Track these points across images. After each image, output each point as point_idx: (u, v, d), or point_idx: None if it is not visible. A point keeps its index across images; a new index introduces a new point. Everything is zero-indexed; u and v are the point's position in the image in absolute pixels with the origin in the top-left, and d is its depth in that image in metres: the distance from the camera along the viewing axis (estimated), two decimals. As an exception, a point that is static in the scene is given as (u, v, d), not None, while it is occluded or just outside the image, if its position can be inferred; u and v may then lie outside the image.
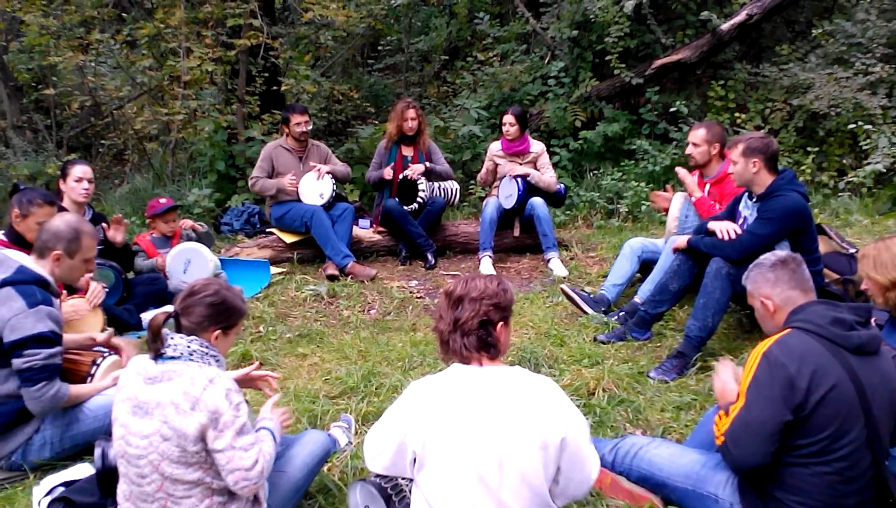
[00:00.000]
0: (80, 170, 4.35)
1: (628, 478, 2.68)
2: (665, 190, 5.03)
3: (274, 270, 5.42)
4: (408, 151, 5.96)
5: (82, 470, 2.53)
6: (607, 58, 7.93)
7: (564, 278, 5.32)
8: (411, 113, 5.82)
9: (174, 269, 4.78)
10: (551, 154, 8.00)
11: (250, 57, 7.30)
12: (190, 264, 4.80)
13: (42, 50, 7.32)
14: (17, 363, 2.63)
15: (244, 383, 2.71)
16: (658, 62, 8.05)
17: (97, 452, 2.34)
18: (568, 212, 7.26)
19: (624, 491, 2.65)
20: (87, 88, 7.48)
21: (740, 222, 3.89)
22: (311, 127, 5.80)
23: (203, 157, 7.14)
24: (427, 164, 5.89)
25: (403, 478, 2.30)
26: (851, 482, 2.24)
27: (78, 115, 7.89)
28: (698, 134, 4.51)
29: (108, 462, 2.31)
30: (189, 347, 2.23)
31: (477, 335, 2.20)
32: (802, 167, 6.95)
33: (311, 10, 6.91)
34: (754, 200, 3.79)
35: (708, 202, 4.41)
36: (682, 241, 4.00)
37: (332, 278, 5.30)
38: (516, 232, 5.96)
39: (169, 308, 4.35)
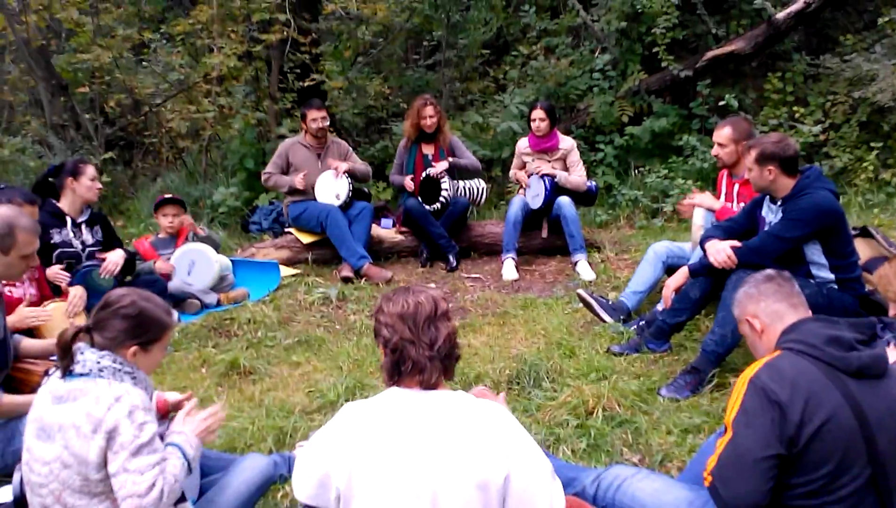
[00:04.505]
0: (93, 169, 4.31)
1: (610, 514, 2.37)
2: (693, 193, 4.63)
3: (288, 271, 5.27)
4: (428, 150, 5.71)
5: (5, 494, 2.38)
6: (654, 50, 7.51)
7: (590, 282, 4.97)
8: (429, 110, 5.56)
9: (178, 270, 4.67)
10: (595, 151, 7.67)
11: (286, 52, 7.16)
12: (194, 265, 4.69)
13: (83, 49, 7.40)
14: None
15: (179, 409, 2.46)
16: (710, 54, 7.59)
17: (15, 477, 2.16)
18: (611, 211, 6.92)
19: (604, 528, 2.34)
20: (124, 87, 7.52)
21: (764, 227, 3.49)
22: (328, 123, 5.62)
23: (234, 154, 7.06)
24: (450, 159, 5.61)
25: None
26: None
27: (117, 113, 7.94)
28: (724, 133, 4.10)
29: (24, 489, 2.13)
30: (99, 363, 2.03)
31: (451, 356, 1.97)
32: (865, 164, 6.39)
33: (333, 4, 6.72)
34: (779, 202, 3.39)
35: (730, 212, 4.02)
36: (679, 277, 3.65)
37: (346, 279, 5.11)
38: (544, 233, 5.64)
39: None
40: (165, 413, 2.51)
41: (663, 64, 7.45)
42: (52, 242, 4.12)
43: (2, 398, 2.58)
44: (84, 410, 1.94)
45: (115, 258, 4.20)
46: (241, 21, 6.86)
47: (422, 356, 1.90)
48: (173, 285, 4.58)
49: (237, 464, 2.39)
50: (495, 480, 1.80)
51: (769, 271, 2.33)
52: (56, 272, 3.95)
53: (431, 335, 1.93)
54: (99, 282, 4.20)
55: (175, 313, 2.37)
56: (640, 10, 7.41)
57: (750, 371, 2.04)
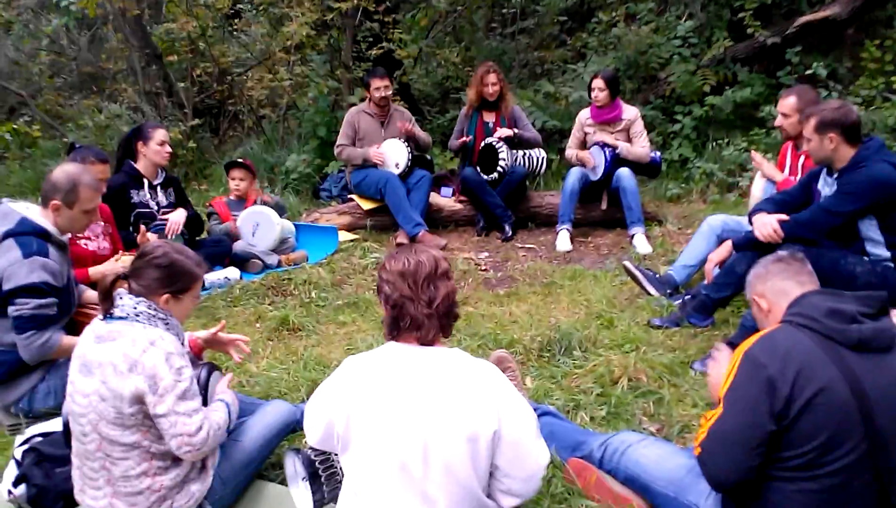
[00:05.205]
0: (163, 133, 4.55)
1: (615, 477, 2.42)
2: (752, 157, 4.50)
3: (347, 236, 5.46)
4: (489, 118, 5.73)
5: (57, 424, 2.64)
6: (740, 15, 7.20)
7: (644, 255, 4.92)
8: (492, 78, 5.57)
9: (244, 231, 4.94)
10: (673, 122, 7.47)
11: (357, 20, 7.31)
12: (258, 227, 4.94)
13: (175, 18, 7.79)
14: (9, 310, 2.76)
15: (212, 345, 2.70)
16: (802, 19, 7.19)
17: (64, 407, 2.42)
18: (684, 185, 6.73)
19: (607, 491, 2.39)
20: (210, 56, 7.86)
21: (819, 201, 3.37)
22: (391, 92, 5.74)
23: (308, 122, 7.30)
24: (515, 131, 5.62)
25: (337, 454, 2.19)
26: (844, 505, 1.88)
27: (204, 82, 8.32)
28: (788, 103, 3.94)
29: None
30: (136, 308, 2.23)
31: (449, 315, 2.06)
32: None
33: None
34: (835, 175, 3.25)
35: (792, 183, 3.86)
36: (723, 251, 3.58)
37: (401, 246, 5.23)
38: (604, 205, 5.60)
39: (233, 271, 4.51)
40: (199, 353, 2.72)
41: (749, 30, 7.14)
42: (131, 201, 4.45)
43: (63, 338, 2.85)
44: (122, 350, 2.14)
45: (176, 218, 4.50)
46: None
47: (420, 313, 1.99)
48: (238, 245, 4.86)
49: (261, 408, 2.57)
50: (485, 433, 1.88)
51: (781, 252, 2.30)
52: (150, 237, 4.26)
53: (430, 294, 2.01)
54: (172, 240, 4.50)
55: (206, 266, 2.53)
56: (728, -28, 7.10)
57: (747, 343, 2.04)
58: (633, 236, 5.17)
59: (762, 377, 1.90)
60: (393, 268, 2.06)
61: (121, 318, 2.23)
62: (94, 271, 3.59)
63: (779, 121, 4.04)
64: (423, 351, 2.00)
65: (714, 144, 7.22)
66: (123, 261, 3.80)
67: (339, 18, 7.31)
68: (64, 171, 2.95)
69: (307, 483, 2.16)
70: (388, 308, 2.05)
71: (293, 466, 2.26)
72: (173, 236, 4.42)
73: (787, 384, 1.87)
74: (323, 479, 2.15)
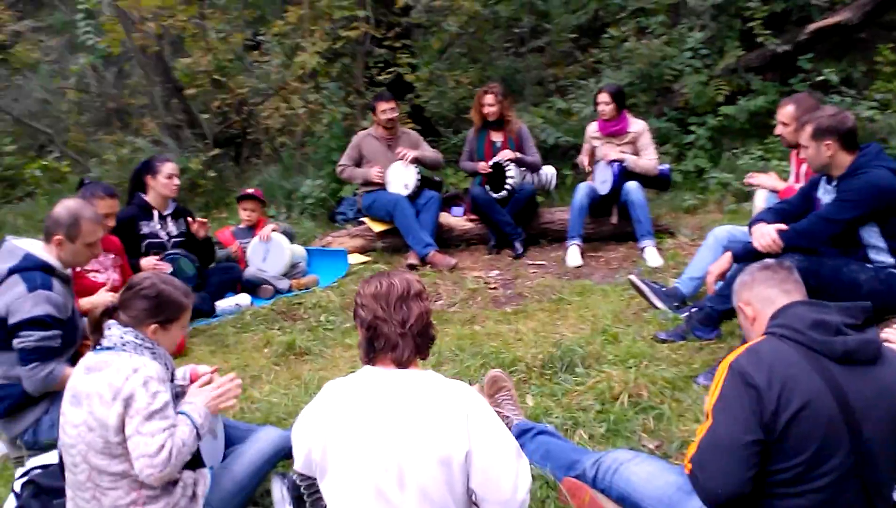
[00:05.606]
0: (171, 167, 4.66)
1: (609, 496, 2.38)
2: (751, 175, 4.50)
3: (359, 258, 5.50)
4: (497, 137, 5.76)
5: (53, 456, 2.68)
6: (749, 25, 7.16)
7: (655, 268, 4.88)
8: (489, 99, 5.62)
9: (254, 257, 5.02)
10: (687, 133, 7.43)
11: (365, 47, 7.42)
12: (269, 252, 5.01)
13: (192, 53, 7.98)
14: (14, 343, 2.82)
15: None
16: (813, 26, 7.15)
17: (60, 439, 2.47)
18: (700, 196, 6.68)
19: (600, 511, 2.36)
20: (226, 88, 8.04)
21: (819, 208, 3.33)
22: (397, 114, 5.81)
23: (322, 148, 7.40)
24: (517, 155, 5.63)
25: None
26: None
27: (222, 113, 8.49)
28: (787, 111, 3.90)
29: (62, 450, 2.42)
30: (122, 338, 2.27)
31: (425, 335, 2.08)
32: None
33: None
34: (834, 183, 3.21)
35: (795, 191, 3.81)
36: (723, 263, 3.53)
37: (412, 267, 5.27)
38: (614, 219, 5.57)
39: (244, 297, 4.58)
40: None
41: (759, 39, 7.10)
42: (140, 232, 4.55)
43: (66, 370, 2.90)
44: (107, 380, 2.18)
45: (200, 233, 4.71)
46: (326, 19, 7.15)
47: (393, 333, 2.01)
48: (249, 271, 4.94)
49: (253, 435, 2.59)
50: (457, 456, 1.88)
51: (768, 260, 2.27)
52: (154, 263, 4.35)
53: (403, 314, 2.03)
54: (183, 269, 4.59)
55: (193, 296, 2.56)
56: (737, -18, 7.08)
57: (732, 356, 2.01)
58: (643, 250, 5.13)
59: (748, 388, 1.88)
60: (366, 292, 2.10)
61: (109, 348, 2.27)
62: (85, 302, 3.60)
63: (778, 129, 4.01)
64: (398, 374, 2.01)
65: (729, 153, 7.16)
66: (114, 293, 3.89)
67: (348, 46, 7.43)
68: (65, 206, 3.03)
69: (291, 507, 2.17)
70: (363, 331, 2.08)
71: (280, 491, 2.27)
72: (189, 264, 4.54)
73: (773, 396, 1.85)
74: (308, 504, 2.15)
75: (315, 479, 2.20)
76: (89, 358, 2.29)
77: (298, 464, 2.06)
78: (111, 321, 2.33)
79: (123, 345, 2.27)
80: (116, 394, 2.15)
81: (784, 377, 1.86)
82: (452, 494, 1.90)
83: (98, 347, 2.29)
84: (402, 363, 2.02)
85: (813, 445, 1.83)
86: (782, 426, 1.84)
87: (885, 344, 2.38)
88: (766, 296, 2.14)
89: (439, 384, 2.00)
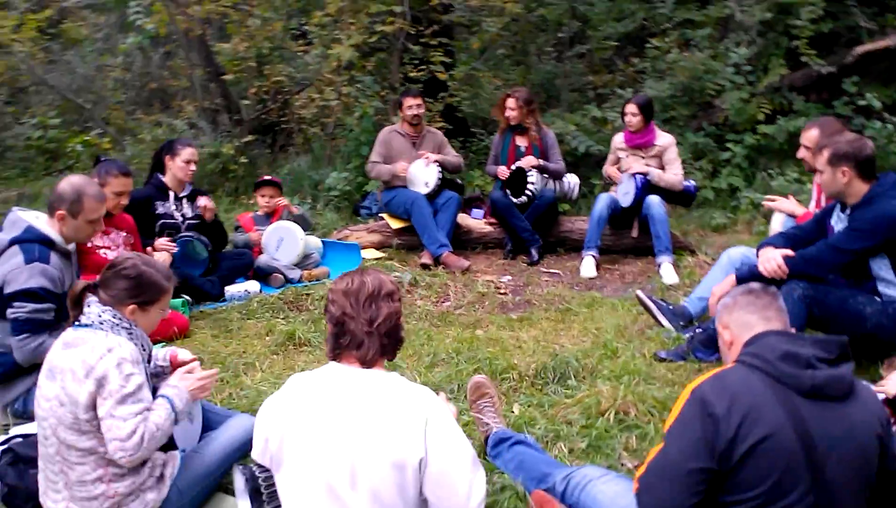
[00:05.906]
0: (190, 152, 4.69)
1: (575, 513, 2.33)
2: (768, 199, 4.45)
3: (374, 254, 5.49)
4: (521, 142, 5.71)
5: (33, 427, 2.71)
6: (794, 43, 6.96)
7: (670, 285, 4.77)
8: (510, 103, 5.58)
9: (268, 245, 5.05)
10: (724, 149, 7.26)
11: (401, 42, 7.41)
12: (283, 241, 5.03)
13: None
14: (7, 313, 2.87)
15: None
16: (860, 49, 6.92)
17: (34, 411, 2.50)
18: (731, 215, 6.54)
19: (567, 527, 2.31)
20: (263, 75, 8.11)
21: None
22: (423, 111, 5.78)
23: (352, 141, 7.42)
24: (540, 162, 5.57)
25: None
26: None
27: (260, 99, 8.57)
28: (810, 135, 3.79)
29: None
30: (100, 316, 2.30)
31: (392, 337, 2.07)
32: None
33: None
34: (847, 211, 3.09)
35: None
36: (725, 285, 3.41)
37: (425, 266, 5.24)
38: (635, 232, 5.47)
39: (253, 284, 4.60)
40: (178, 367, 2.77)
41: (803, 59, 6.91)
42: (156, 212, 4.61)
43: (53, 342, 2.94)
44: (81, 356, 2.20)
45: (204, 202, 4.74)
46: (364, 12, 7.16)
47: (360, 331, 2.00)
48: (261, 259, 4.96)
49: (226, 422, 2.59)
50: (411, 461, 1.87)
51: (753, 285, 2.19)
52: (164, 243, 4.41)
53: (372, 313, 2.02)
54: (196, 251, 4.65)
55: (175, 279, 2.58)
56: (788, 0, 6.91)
57: (697, 381, 1.96)
58: (660, 266, 5.03)
59: (706, 416, 1.83)
60: (338, 288, 2.09)
61: (87, 325, 2.30)
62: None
63: (801, 153, 3.91)
64: (361, 373, 2.00)
65: (765, 173, 6.98)
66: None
67: (386, 41, 7.43)
68: (70, 182, 3.08)
69: (248, 498, 2.17)
70: (330, 326, 2.06)
71: (241, 480, 2.27)
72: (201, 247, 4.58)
73: (732, 426, 1.80)
74: (265, 496, 2.15)
75: (272, 472, 2.21)
76: (68, 334, 2.32)
77: (256, 452, 2.06)
78: (91, 299, 2.36)
79: (101, 323, 2.29)
80: (89, 372, 2.17)
81: (747, 408, 1.80)
82: (403, 498, 1.89)
83: (76, 323, 2.32)
84: (366, 362, 2.01)
85: (770, 479, 1.77)
86: (739, 457, 1.78)
87: (876, 391, 2.30)
88: (746, 321, 2.07)
89: (401, 388, 1.97)
